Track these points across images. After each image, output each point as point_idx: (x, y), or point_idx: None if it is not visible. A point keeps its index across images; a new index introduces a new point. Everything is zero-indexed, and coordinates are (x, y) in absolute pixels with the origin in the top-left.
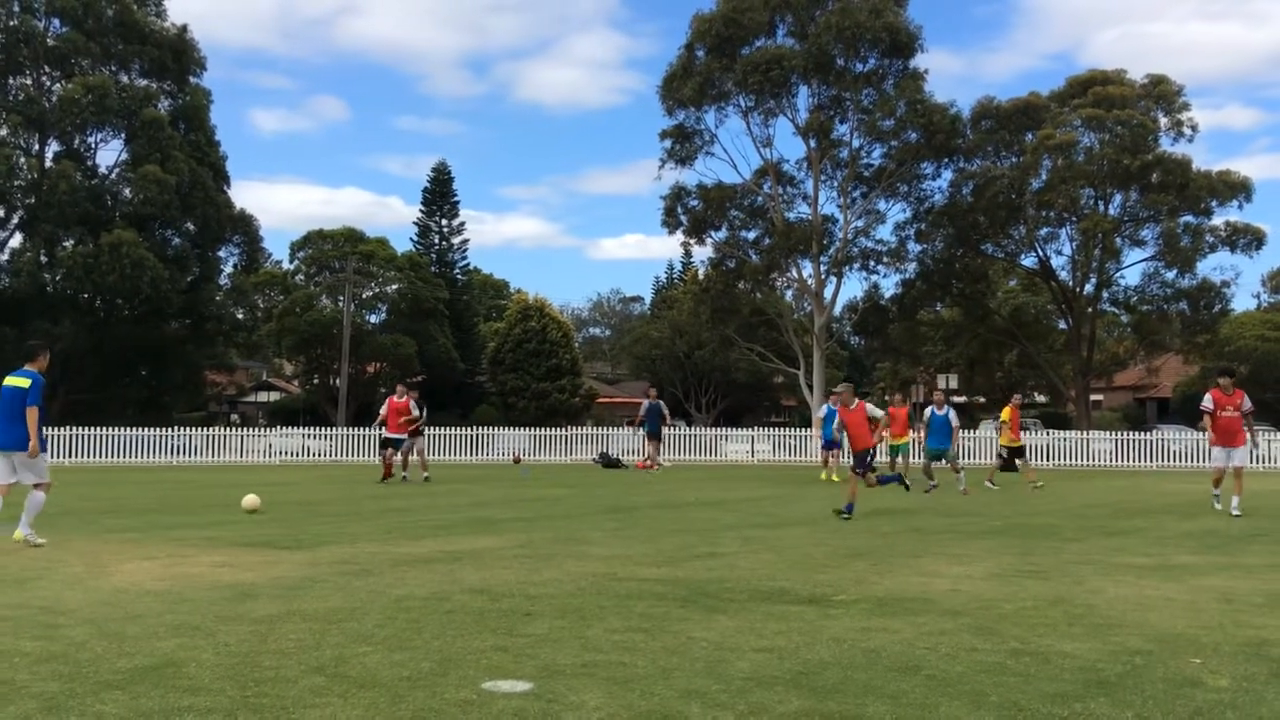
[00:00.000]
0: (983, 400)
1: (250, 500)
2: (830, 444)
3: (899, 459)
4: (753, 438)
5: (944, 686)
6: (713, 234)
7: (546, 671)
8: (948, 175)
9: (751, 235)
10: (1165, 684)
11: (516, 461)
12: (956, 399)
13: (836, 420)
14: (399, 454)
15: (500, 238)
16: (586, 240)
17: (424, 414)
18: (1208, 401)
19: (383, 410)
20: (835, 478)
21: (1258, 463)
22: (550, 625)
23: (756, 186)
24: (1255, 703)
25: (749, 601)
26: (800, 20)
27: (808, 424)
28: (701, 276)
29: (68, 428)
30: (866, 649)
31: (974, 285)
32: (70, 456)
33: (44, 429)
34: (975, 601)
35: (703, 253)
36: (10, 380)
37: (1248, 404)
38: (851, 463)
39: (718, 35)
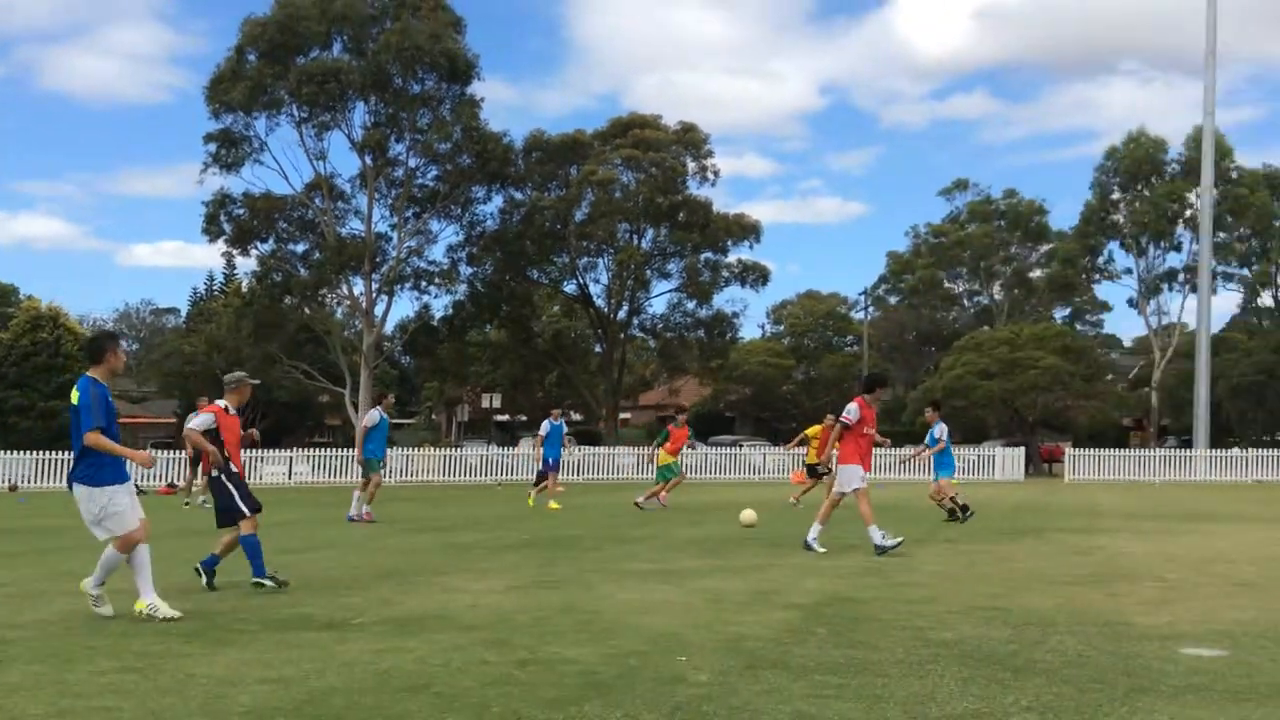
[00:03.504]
0: (525, 419)
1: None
2: (556, 465)
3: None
4: (291, 458)
5: (450, 701)
6: (259, 245)
7: None
8: (499, 201)
9: (301, 249)
10: (654, 682)
11: (12, 489)
12: (500, 418)
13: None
14: None
15: (11, 237)
16: (117, 245)
17: None
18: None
19: None
20: (555, 504)
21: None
22: (24, 672)
23: (308, 199)
24: (729, 694)
25: (261, 631)
26: (359, 37)
27: (351, 444)
28: (245, 289)
29: None
30: (378, 671)
31: (520, 309)
32: None
33: None
34: (492, 615)
35: (247, 264)
36: None
37: None
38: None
39: (271, 41)
